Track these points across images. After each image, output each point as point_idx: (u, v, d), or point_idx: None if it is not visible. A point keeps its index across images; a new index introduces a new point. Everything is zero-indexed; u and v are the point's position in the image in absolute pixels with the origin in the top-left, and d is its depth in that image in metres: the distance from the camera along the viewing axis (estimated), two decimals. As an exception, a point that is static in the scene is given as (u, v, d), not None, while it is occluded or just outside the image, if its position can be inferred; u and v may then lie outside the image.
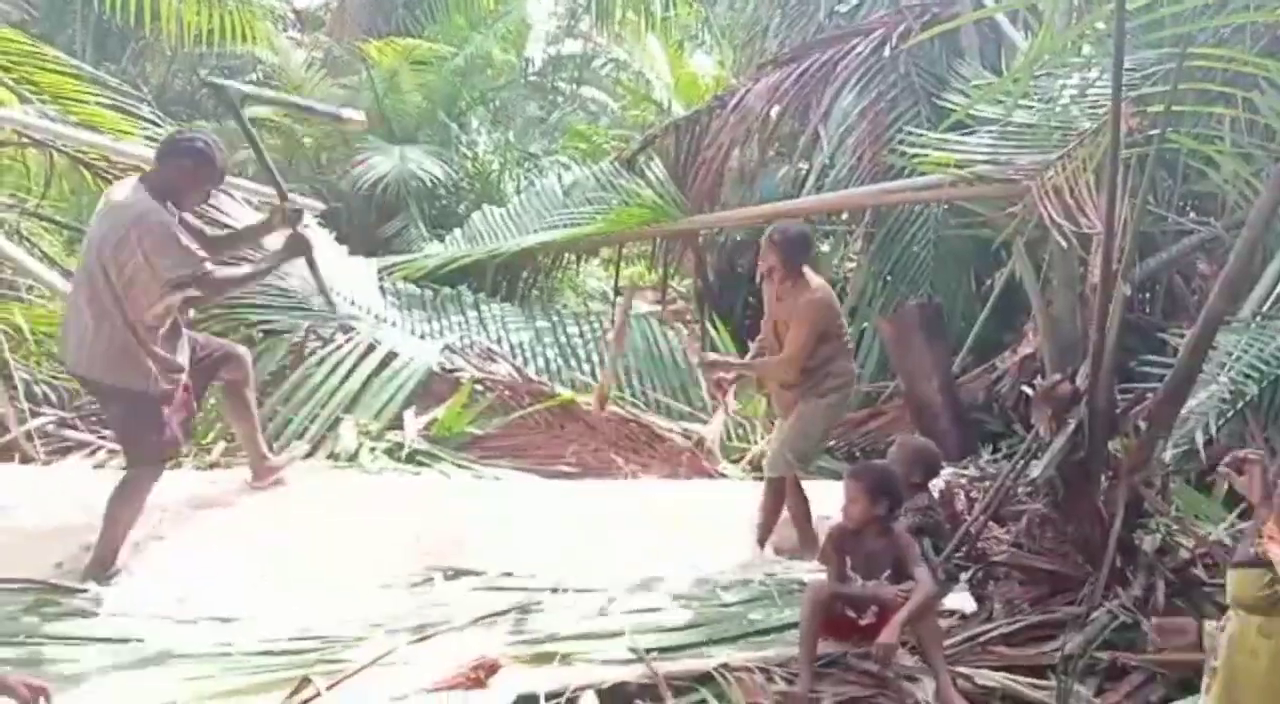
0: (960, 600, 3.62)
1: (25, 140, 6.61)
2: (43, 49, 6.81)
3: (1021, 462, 3.84)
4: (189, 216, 3.75)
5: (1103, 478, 3.59)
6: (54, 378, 5.02)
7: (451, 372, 5.73)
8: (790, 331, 3.99)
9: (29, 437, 4.72)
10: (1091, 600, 3.37)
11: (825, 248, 7.72)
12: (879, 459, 4.40)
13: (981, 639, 3.31)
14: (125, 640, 3.13)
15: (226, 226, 5.12)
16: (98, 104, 6.58)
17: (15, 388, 4.86)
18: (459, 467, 5.01)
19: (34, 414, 4.88)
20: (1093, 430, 3.53)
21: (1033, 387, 3.99)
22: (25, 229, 6.54)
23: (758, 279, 4.20)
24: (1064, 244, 4.22)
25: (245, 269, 3.96)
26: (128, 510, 3.58)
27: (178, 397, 3.63)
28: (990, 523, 3.94)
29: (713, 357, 4.37)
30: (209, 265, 3.61)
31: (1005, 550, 3.74)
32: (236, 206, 5.81)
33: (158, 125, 6.73)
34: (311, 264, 4.06)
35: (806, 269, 4.07)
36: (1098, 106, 4.52)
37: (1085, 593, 3.41)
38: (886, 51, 6.88)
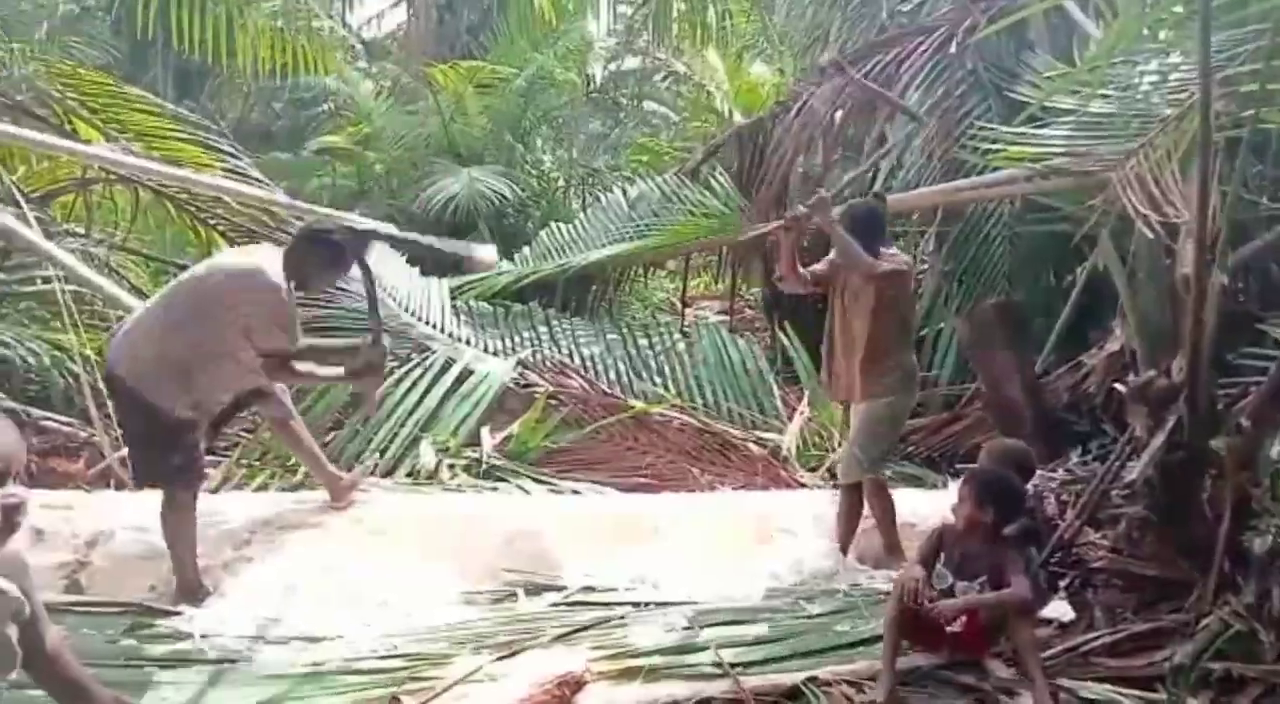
0: (1058, 609, 3.48)
1: (113, 177, 6.90)
2: (127, 90, 7.12)
3: (1117, 463, 3.69)
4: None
5: (1206, 477, 3.42)
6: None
7: (525, 387, 5.77)
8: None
9: (122, 463, 4.87)
10: (1200, 607, 3.20)
11: (895, 248, 7.55)
12: (963, 463, 4.29)
13: (1082, 650, 3.18)
14: (219, 661, 3.19)
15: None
16: (178, 139, 6.85)
17: (109, 416, 5.03)
18: (536, 481, 5.03)
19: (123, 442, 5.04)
20: (1193, 427, 3.37)
21: (1124, 384, 3.83)
22: (114, 262, 6.80)
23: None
24: (1150, 235, 4.04)
25: (314, 371, 3.96)
26: (180, 535, 3.64)
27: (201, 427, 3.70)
28: (1085, 528, 3.79)
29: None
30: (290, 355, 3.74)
31: (1103, 556, 3.58)
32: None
33: (236, 157, 6.98)
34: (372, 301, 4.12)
35: (884, 249, 4.01)
36: (1180, 92, 4.34)
37: (1193, 600, 3.25)
38: (952, 48, 6.73)
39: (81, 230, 6.79)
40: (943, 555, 3.13)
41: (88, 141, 6.71)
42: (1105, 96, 4.65)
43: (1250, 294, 5.66)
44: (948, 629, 3.04)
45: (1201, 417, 3.37)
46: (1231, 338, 4.14)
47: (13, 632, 1.53)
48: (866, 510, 4.14)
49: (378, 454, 5.04)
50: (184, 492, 3.67)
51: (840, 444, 5.47)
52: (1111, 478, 3.67)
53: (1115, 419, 4.80)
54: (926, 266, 7.15)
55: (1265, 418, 3.42)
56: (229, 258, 3.95)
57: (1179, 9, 4.33)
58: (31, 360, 5.16)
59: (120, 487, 4.66)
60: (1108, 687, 2.99)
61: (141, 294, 6.23)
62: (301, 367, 3.84)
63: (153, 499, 3.79)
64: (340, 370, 3.93)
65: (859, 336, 4.01)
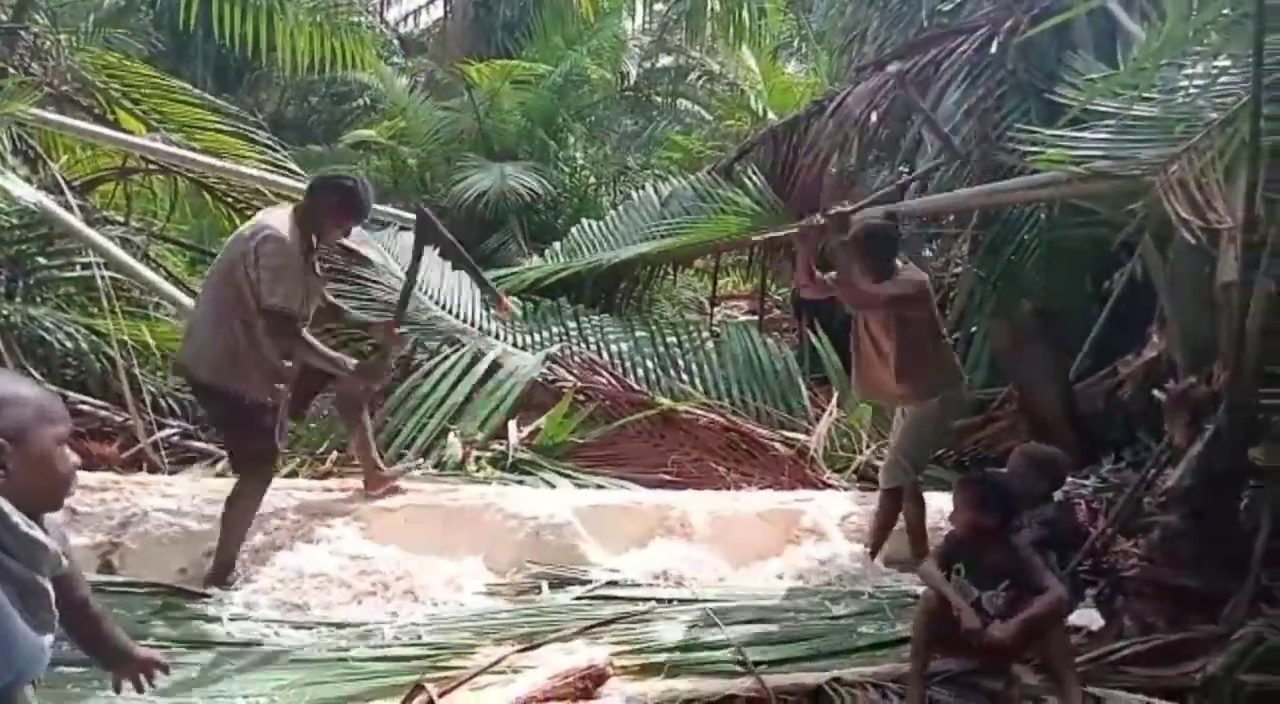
0: (1086, 617, 3.44)
1: (153, 166, 7.00)
2: (169, 81, 7.23)
3: (1152, 471, 3.63)
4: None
5: (1244, 488, 3.36)
6: (179, 391, 5.25)
7: (553, 382, 5.78)
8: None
9: (156, 447, 4.95)
10: (1234, 619, 3.14)
11: (929, 252, 7.49)
12: (995, 468, 4.23)
13: (1113, 658, 3.12)
14: (245, 644, 3.23)
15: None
16: (218, 131, 6.94)
17: (144, 401, 5.10)
18: (562, 475, 5.04)
19: (160, 425, 5.11)
20: (1233, 436, 3.30)
21: (1162, 391, 3.77)
22: (153, 251, 6.90)
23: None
24: (1192, 240, 3.97)
25: (327, 354, 3.81)
26: (241, 519, 3.68)
27: (280, 405, 3.69)
28: (1118, 536, 3.74)
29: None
30: (295, 319, 3.65)
31: (1136, 565, 3.53)
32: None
33: (274, 150, 7.06)
34: (407, 289, 4.16)
35: (900, 264, 3.97)
36: (1226, 96, 4.26)
37: (1228, 611, 3.18)
38: (993, 48, 6.64)
39: (121, 218, 6.90)
40: (960, 568, 3.07)
41: (129, 131, 6.82)
42: (1149, 99, 4.57)
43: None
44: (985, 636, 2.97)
45: (1241, 426, 3.31)
46: (1275, 347, 4.06)
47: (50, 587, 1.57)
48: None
49: (421, 458, 5.05)
50: (258, 482, 3.71)
51: (868, 446, 5.44)
52: (1146, 486, 3.61)
53: (1150, 427, 4.73)
54: (961, 269, 7.08)
55: (1307, 428, 3.35)
56: (245, 225, 3.89)
57: (1228, 11, 4.24)
58: (69, 344, 5.24)
59: (154, 470, 4.73)
60: (1138, 696, 2.94)
61: (178, 282, 6.33)
62: (310, 339, 3.71)
63: (185, 484, 3.84)
64: (335, 368, 3.81)
65: (886, 349, 3.96)
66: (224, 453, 4.58)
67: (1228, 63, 4.42)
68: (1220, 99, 4.33)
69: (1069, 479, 4.28)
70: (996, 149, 6.05)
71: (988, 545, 3.07)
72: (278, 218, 3.72)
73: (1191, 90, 4.49)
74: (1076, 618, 3.41)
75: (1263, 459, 3.36)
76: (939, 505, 4.25)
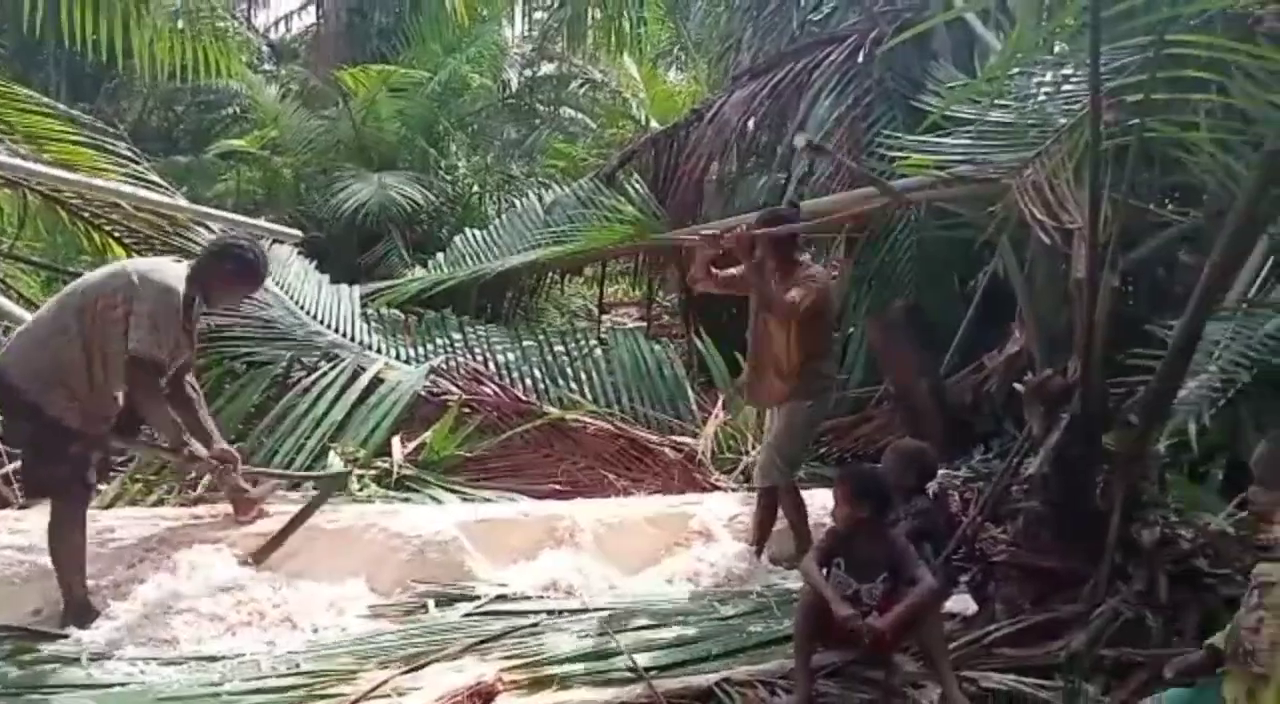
0: (961, 603, 3.58)
1: (-2, 181, 6.55)
2: (14, 88, 6.78)
3: (1015, 460, 3.81)
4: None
5: (1098, 473, 3.55)
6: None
7: (439, 395, 5.67)
8: (792, 293, 3.93)
9: (6, 481, 4.62)
10: (1094, 597, 3.33)
11: (807, 256, 7.68)
12: (871, 463, 4.36)
13: (985, 641, 3.27)
14: (108, 686, 3.04)
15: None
16: (71, 142, 6.55)
17: (-6, 431, 4.76)
18: (449, 490, 4.94)
19: (10, 457, 4.78)
20: (1086, 425, 3.49)
21: (1023, 384, 3.96)
22: (1, 271, 6.46)
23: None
24: (1046, 240, 4.19)
25: (172, 421, 3.63)
26: (68, 550, 3.47)
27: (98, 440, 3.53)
28: (987, 523, 3.90)
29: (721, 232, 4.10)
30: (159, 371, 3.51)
31: (1004, 550, 3.69)
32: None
33: (135, 161, 6.70)
34: None
35: (801, 256, 4.06)
36: (1073, 102, 4.51)
37: (1087, 590, 3.36)
38: (860, 58, 6.88)
39: (-36, 237, 6.44)
40: (841, 562, 3.16)
41: (-35, 143, 6.37)
42: (1004, 106, 4.81)
43: (1139, 297, 5.92)
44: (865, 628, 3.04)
45: (1094, 414, 3.50)
46: (1121, 339, 4.31)
47: None
48: (780, 512, 4.18)
49: (284, 468, 4.87)
50: (71, 506, 3.49)
51: (754, 447, 5.53)
52: (1010, 474, 3.79)
53: (1016, 418, 4.96)
54: (837, 271, 7.29)
55: (1152, 414, 3.57)
56: (133, 262, 3.76)
57: (1072, 21, 4.49)
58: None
59: (3, 505, 4.41)
60: (1009, 676, 3.07)
61: (31, 304, 5.94)
62: (153, 403, 3.55)
63: (37, 518, 3.60)
64: (170, 434, 3.65)
65: (782, 348, 4.03)
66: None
67: (1073, 70, 4.69)
68: (1068, 105, 4.59)
69: (942, 471, 4.46)
70: (866, 155, 6.26)
71: (865, 539, 3.17)
72: (171, 270, 3.61)
73: (1042, 97, 4.74)
74: (952, 604, 3.55)
75: (1114, 445, 3.56)
76: (823, 501, 4.36)
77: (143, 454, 4.21)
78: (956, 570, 3.69)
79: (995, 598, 3.51)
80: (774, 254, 3.99)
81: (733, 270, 4.21)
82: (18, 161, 6.14)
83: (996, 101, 4.74)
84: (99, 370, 3.47)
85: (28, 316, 5.25)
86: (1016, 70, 4.77)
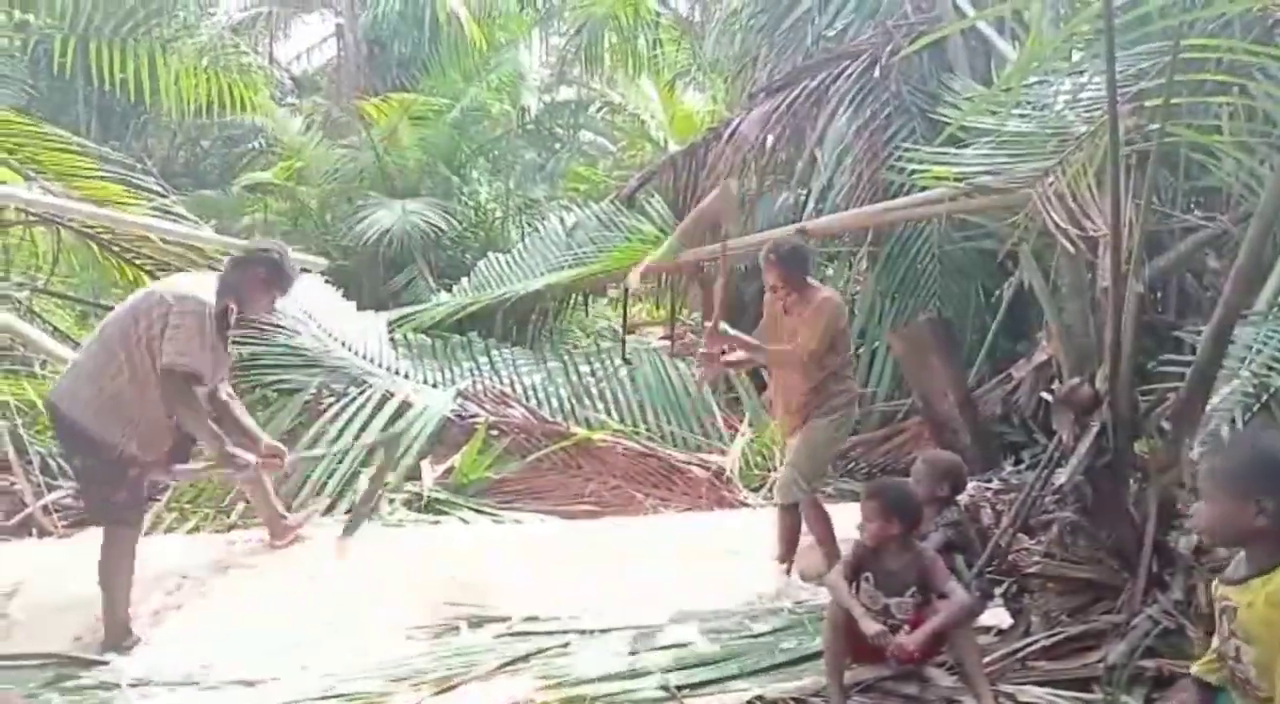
0: (996, 616, 3.53)
1: (32, 218, 6.71)
2: (45, 129, 6.95)
3: (1047, 470, 3.77)
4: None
5: (1131, 481, 3.51)
6: (69, 451, 4.99)
7: (466, 418, 5.72)
8: (804, 330, 3.94)
9: (46, 511, 4.71)
10: (1131, 607, 3.28)
11: (830, 271, 7.69)
12: (900, 477, 4.33)
13: (1021, 654, 3.22)
14: (149, 710, 3.08)
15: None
16: (101, 179, 6.70)
17: (30, 463, 4.86)
18: (477, 512, 4.97)
19: (50, 488, 4.87)
20: (1117, 433, 3.46)
21: (1051, 394, 3.92)
22: (38, 306, 6.60)
23: (766, 295, 4.15)
24: (1070, 249, 4.17)
25: (211, 429, 3.68)
26: (118, 575, 3.53)
27: (151, 462, 3.58)
28: (1020, 534, 3.86)
29: (723, 328, 4.16)
30: (194, 381, 3.56)
31: (1038, 562, 3.65)
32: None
33: (163, 195, 6.84)
34: None
35: (811, 280, 4.06)
36: (1093, 109, 4.50)
37: (1124, 600, 3.32)
38: (877, 72, 6.90)
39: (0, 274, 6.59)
40: (870, 576, 3.13)
41: (1, 182, 6.53)
42: (1023, 116, 4.80)
43: (1167, 303, 5.87)
44: (894, 646, 3.03)
45: (1124, 422, 3.46)
46: (1150, 346, 4.28)
47: None
48: (806, 528, 4.16)
49: (324, 497, 4.92)
50: (126, 530, 3.55)
51: (781, 463, 5.51)
52: (1042, 485, 3.75)
53: (1045, 428, 4.92)
54: (860, 286, 7.28)
55: (1184, 421, 3.53)
56: (163, 282, 3.83)
57: (1087, 29, 4.49)
58: (-52, 408, 4.97)
59: (43, 534, 4.50)
60: (1047, 690, 3.03)
61: (66, 337, 6.07)
62: (191, 414, 3.60)
63: (76, 547, 3.66)
64: (213, 445, 3.70)
65: (802, 372, 4.03)
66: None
67: (1090, 77, 4.68)
68: (1087, 112, 4.58)
69: (973, 483, 4.42)
70: (885, 168, 6.26)
71: (895, 552, 3.14)
72: (201, 284, 3.69)
73: (1060, 106, 4.73)
74: (987, 617, 3.50)
75: (1147, 453, 3.52)
76: (853, 517, 4.33)
77: (200, 474, 4.19)
78: (990, 583, 3.65)
79: (1031, 610, 3.47)
80: (785, 283, 3.99)
81: (739, 354, 4.22)
82: (50, 199, 6.29)
83: (1015, 111, 4.74)
84: (151, 394, 3.52)
85: (62, 350, 5.39)
86: (1034, 79, 4.78)
